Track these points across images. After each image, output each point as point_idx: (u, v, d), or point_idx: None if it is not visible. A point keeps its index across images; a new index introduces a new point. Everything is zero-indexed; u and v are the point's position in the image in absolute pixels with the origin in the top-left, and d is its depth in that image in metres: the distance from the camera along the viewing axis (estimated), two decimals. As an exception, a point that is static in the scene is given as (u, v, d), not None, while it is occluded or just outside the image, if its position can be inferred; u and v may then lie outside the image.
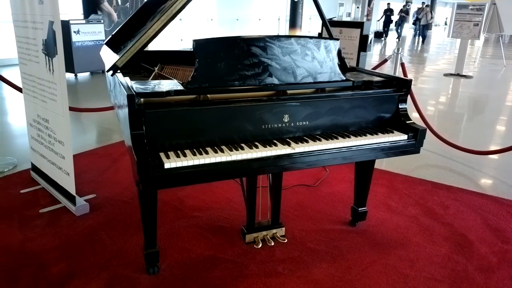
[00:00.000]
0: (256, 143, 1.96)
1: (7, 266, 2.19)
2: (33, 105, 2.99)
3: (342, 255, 2.34)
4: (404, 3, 20.03)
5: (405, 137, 2.20)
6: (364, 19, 21.75)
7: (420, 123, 3.10)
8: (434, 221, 2.76)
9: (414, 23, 20.00)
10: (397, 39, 19.00)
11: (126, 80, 1.97)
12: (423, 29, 17.79)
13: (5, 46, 8.98)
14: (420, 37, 18.06)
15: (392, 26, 20.05)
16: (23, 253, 2.29)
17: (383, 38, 19.27)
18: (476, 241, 2.54)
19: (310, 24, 17.38)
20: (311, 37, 2.15)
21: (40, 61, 2.68)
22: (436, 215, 2.85)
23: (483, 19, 8.76)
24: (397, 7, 20.02)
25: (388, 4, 19.52)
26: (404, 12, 19.24)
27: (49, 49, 2.54)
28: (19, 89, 3.40)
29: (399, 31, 19.30)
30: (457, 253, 2.41)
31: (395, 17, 19.94)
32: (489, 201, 3.08)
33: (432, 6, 35.86)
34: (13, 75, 7.01)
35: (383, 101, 2.26)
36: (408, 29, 23.62)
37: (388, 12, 19.14)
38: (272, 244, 2.39)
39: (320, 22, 2.98)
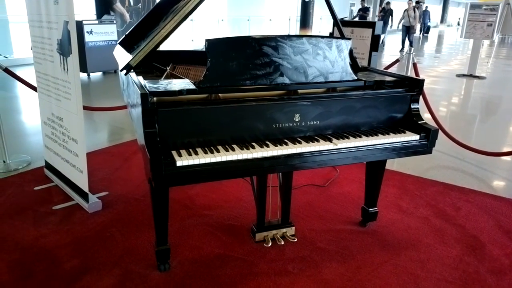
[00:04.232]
0: (267, 142, 1.97)
1: (21, 261, 2.23)
2: (47, 103, 3.04)
3: (352, 255, 2.34)
4: (386, 1, 14.86)
5: (417, 137, 2.19)
6: (376, 19, 20.85)
7: (432, 124, 3.08)
8: (445, 222, 2.74)
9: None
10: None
11: (139, 79, 2.00)
12: (406, 32, 13.83)
13: (20, 46, 9.15)
14: (407, 41, 13.95)
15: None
16: (37, 249, 2.34)
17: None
18: (488, 243, 2.51)
19: (321, 24, 17.29)
20: (322, 37, 2.15)
21: (55, 60, 2.72)
22: (447, 216, 2.82)
23: (496, 19, 8.64)
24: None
25: (363, 1, 15.69)
26: (388, 11, 14.60)
27: (63, 49, 2.58)
28: (34, 88, 3.46)
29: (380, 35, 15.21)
30: (469, 255, 2.38)
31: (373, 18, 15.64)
32: (502, 203, 3.05)
33: (444, 6, 34.66)
34: (28, 74, 7.12)
35: (395, 101, 2.26)
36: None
37: (364, 11, 15.23)
38: (282, 243, 2.40)
39: (331, 22, 2.98)
